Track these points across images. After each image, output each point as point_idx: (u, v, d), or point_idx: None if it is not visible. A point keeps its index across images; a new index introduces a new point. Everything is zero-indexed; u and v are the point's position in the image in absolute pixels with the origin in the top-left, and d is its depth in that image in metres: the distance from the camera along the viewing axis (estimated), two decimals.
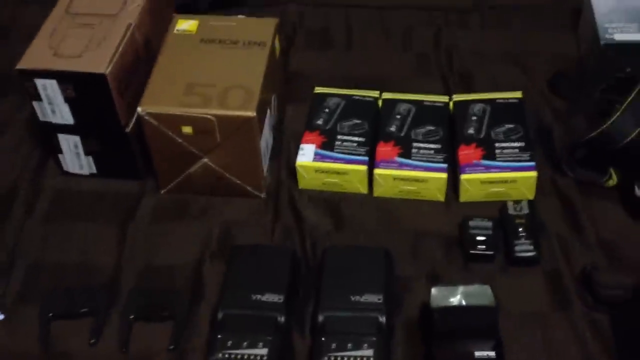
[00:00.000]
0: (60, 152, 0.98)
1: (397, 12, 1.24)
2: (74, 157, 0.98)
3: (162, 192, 0.98)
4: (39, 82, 0.88)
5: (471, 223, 0.90)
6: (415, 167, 0.94)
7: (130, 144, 0.96)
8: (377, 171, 0.95)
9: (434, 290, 0.78)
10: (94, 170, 1.00)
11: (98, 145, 0.96)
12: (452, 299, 0.77)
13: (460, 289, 0.78)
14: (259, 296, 0.81)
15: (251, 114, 0.88)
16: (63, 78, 0.88)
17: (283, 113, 1.07)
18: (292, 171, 0.99)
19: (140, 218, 0.96)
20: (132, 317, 0.84)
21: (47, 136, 0.97)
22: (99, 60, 0.88)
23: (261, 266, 0.84)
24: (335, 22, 1.23)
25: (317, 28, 1.23)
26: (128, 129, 0.94)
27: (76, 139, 0.95)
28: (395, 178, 0.95)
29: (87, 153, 0.97)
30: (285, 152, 1.03)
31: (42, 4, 1.26)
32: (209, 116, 0.88)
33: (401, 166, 0.95)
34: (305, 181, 0.98)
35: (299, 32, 1.21)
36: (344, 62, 1.16)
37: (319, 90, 1.06)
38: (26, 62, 0.88)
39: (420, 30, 1.21)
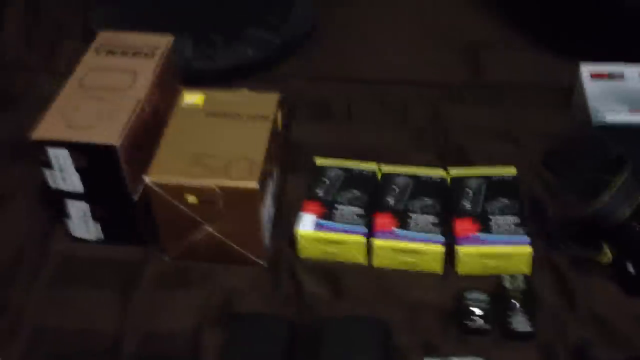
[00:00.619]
0: (69, 217, 1.00)
1: (394, 87, 1.29)
2: (82, 223, 1.01)
3: (166, 258, 1.00)
4: (52, 152, 0.92)
5: (467, 295, 0.92)
6: (412, 239, 0.97)
7: (136, 212, 0.98)
8: (375, 242, 0.98)
9: None
10: (101, 236, 1.02)
11: (106, 212, 0.99)
12: None
13: None
14: None
15: (254, 185, 0.92)
16: (75, 148, 0.91)
17: (284, 182, 1.10)
18: (293, 240, 1.01)
19: (144, 285, 0.98)
20: None
21: (56, 202, 0.99)
22: (110, 132, 0.91)
23: (259, 336, 0.86)
24: (336, 96, 1.28)
25: (318, 101, 1.27)
26: (135, 198, 0.97)
27: (84, 205, 0.98)
28: (393, 249, 0.97)
29: (94, 219, 1.00)
30: (285, 221, 1.05)
31: (52, 74, 1.31)
32: (213, 186, 0.92)
33: (398, 237, 0.97)
34: (306, 250, 1.00)
35: (300, 105, 1.25)
36: (344, 134, 1.20)
37: (319, 161, 1.09)
38: (40, 132, 0.92)
39: (417, 104, 1.25)
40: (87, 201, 0.98)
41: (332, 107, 1.26)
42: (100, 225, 1.01)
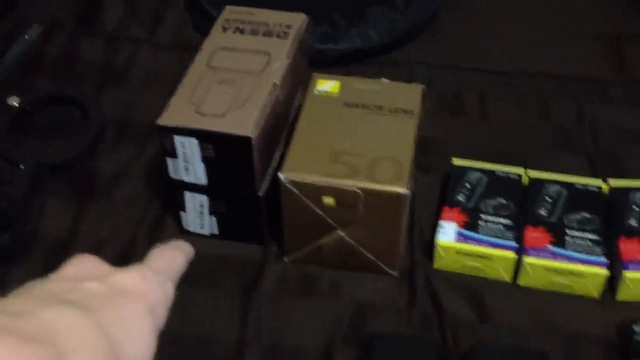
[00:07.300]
0: (184, 210, 0.92)
1: (532, 81, 1.16)
2: (197, 217, 0.92)
3: (287, 260, 0.91)
4: (178, 139, 0.83)
5: (636, 328, 0.81)
6: (571, 259, 0.86)
7: (260, 208, 0.89)
8: (527, 259, 0.87)
9: None
10: (216, 231, 0.93)
11: (225, 206, 0.90)
12: None
13: None
14: None
15: (403, 190, 0.81)
16: (205, 137, 0.82)
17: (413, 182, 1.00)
18: (425, 248, 0.92)
19: (265, 289, 0.89)
20: None
21: (173, 193, 0.91)
22: (244, 121, 0.82)
23: None
24: (466, 88, 1.16)
25: (447, 92, 1.16)
26: (261, 193, 0.88)
27: (203, 198, 0.90)
28: (547, 269, 0.86)
29: (211, 213, 0.91)
30: (417, 227, 0.95)
31: (157, 47, 1.23)
32: (356, 189, 0.82)
33: (555, 256, 0.86)
34: (443, 262, 0.90)
35: (427, 95, 1.14)
36: (478, 131, 1.09)
37: (457, 162, 0.98)
38: (168, 119, 0.83)
39: (557, 101, 1.13)
40: (207, 194, 0.89)
41: (464, 100, 1.14)
42: (217, 220, 0.92)
